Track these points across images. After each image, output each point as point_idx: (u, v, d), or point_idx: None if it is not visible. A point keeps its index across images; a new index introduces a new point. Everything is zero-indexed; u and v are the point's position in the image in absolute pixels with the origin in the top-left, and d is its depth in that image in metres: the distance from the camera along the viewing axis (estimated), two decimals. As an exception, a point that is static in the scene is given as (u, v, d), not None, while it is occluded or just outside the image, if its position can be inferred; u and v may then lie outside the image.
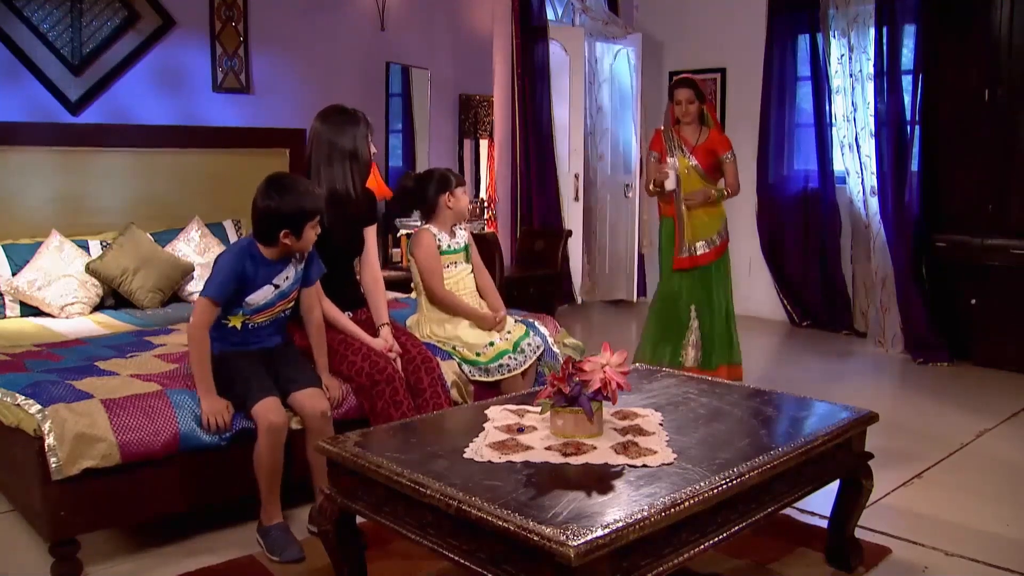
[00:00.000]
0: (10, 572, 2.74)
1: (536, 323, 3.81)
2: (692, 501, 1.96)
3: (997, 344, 5.25)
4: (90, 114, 4.71)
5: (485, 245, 5.13)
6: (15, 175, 4.37)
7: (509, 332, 3.57)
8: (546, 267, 6.25)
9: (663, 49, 7.33)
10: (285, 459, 2.81)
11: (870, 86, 5.75)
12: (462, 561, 1.96)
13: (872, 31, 5.74)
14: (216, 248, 4.54)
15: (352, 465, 2.23)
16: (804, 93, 6.43)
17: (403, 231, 5.73)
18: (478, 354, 3.46)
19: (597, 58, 7.34)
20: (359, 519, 2.36)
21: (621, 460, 2.17)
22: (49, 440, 2.53)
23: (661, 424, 2.47)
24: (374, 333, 3.25)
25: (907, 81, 5.61)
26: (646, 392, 2.82)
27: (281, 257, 2.90)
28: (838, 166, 6.12)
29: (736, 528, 2.13)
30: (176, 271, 4.45)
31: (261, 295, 2.90)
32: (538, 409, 2.43)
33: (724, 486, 2.05)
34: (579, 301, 7.06)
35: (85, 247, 4.38)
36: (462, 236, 3.67)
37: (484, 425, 2.44)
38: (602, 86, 7.43)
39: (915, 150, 5.60)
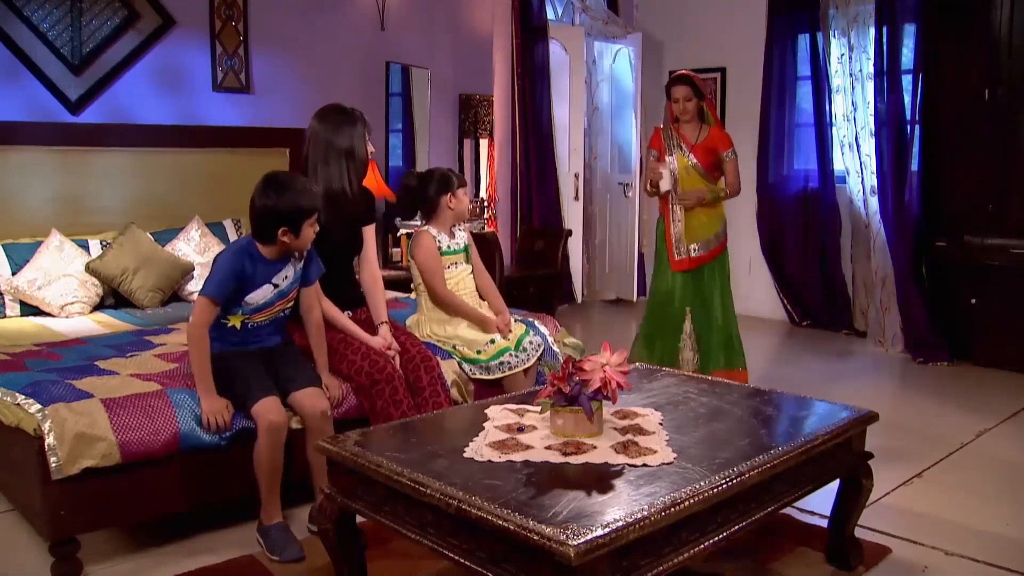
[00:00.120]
0: (10, 572, 2.74)
1: (536, 322, 3.81)
2: (692, 500, 1.96)
3: (997, 344, 5.25)
4: (90, 114, 4.71)
5: (485, 244, 5.13)
6: (15, 175, 4.37)
7: (510, 331, 3.57)
8: (546, 266, 6.25)
9: (663, 49, 7.33)
10: (285, 459, 2.81)
11: (870, 86, 5.75)
12: (462, 560, 1.96)
13: (872, 31, 5.73)
14: (216, 248, 4.54)
15: (352, 464, 2.23)
16: (804, 93, 6.43)
17: (403, 231, 5.73)
18: (479, 352, 3.46)
19: (597, 58, 7.35)
20: (359, 518, 2.36)
21: (621, 459, 2.17)
22: (49, 439, 2.53)
23: (661, 423, 2.47)
24: (373, 332, 3.25)
25: (907, 81, 5.61)
26: (646, 391, 2.82)
27: (280, 256, 2.90)
28: (838, 166, 6.12)
29: (736, 527, 2.13)
30: (176, 271, 4.45)
31: (260, 294, 2.90)
32: (538, 408, 2.43)
33: (724, 485, 2.05)
34: (579, 300, 7.07)
35: (85, 247, 4.38)
36: (461, 237, 3.66)
37: (484, 424, 2.44)
38: (602, 85, 7.43)
39: (915, 150, 5.60)
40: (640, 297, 7.35)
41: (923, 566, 2.75)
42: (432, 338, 3.52)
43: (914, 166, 5.60)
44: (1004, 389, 4.84)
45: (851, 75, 5.87)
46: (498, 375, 3.46)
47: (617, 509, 1.87)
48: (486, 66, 6.56)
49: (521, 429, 2.38)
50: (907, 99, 5.60)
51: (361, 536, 2.51)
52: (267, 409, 2.75)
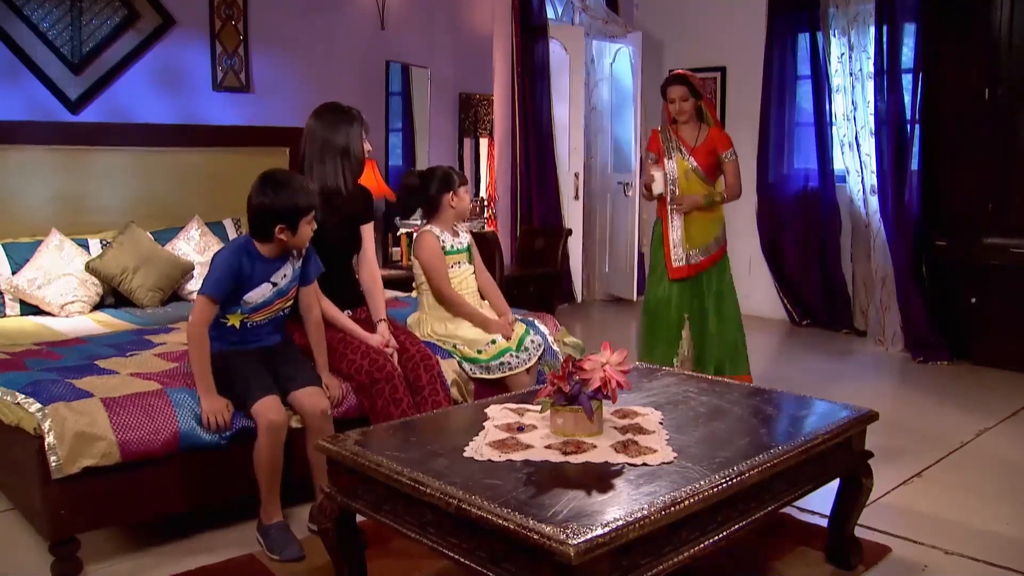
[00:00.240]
0: (10, 571, 2.74)
1: (536, 322, 3.81)
2: (692, 500, 1.96)
3: (997, 343, 5.25)
4: (90, 113, 4.71)
5: (485, 244, 5.13)
6: (15, 174, 4.37)
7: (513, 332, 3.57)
8: (546, 266, 6.25)
9: (663, 48, 7.33)
10: (285, 458, 2.81)
11: (870, 85, 5.75)
12: (462, 560, 1.96)
13: (872, 30, 5.73)
14: (216, 247, 4.54)
15: (352, 464, 2.23)
16: (804, 92, 6.42)
17: (403, 230, 5.73)
18: (479, 351, 3.45)
19: (596, 57, 7.34)
20: (359, 518, 2.36)
21: (621, 459, 2.17)
22: (49, 439, 2.53)
23: (661, 423, 2.47)
24: (373, 331, 3.25)
25: (907, 80, 5.60)
26: (646, 391, 2.82)
27: (278, 254, 2.90)
28: (838, 165, 6.12)
29: (736, 527, 2.13)
30: (176, 270, 4.45)
31: (259, 293, 2.89)
32: (538, 408, 2.43)
33: (724, 485, 2.05)
34: (579, 300, 7.06)
35: (85, 246, 4.38)
36: (465, 236, 3.65)
37: (484, 424, 2.44)
38: (602, 85, 7.43)
39: (915, 149, 5.60)
40: (640, 296, 7.34)
41: (923, 565, 2.75)
42: (432, 337, 3.52)
43: (914, 165, 5.60)
44: (1004, 388, 4.84)
45: (851, 74, 5.86)
46: (498, 375, 3.46)
47: (617, 508, 1.87)
48: (486, 65, 6.56)
49: (521, 428, 2.38)
50: (907, 98, 5.59)
51: (361, 535, 2.51)
52: (267, 408, 2.75)
